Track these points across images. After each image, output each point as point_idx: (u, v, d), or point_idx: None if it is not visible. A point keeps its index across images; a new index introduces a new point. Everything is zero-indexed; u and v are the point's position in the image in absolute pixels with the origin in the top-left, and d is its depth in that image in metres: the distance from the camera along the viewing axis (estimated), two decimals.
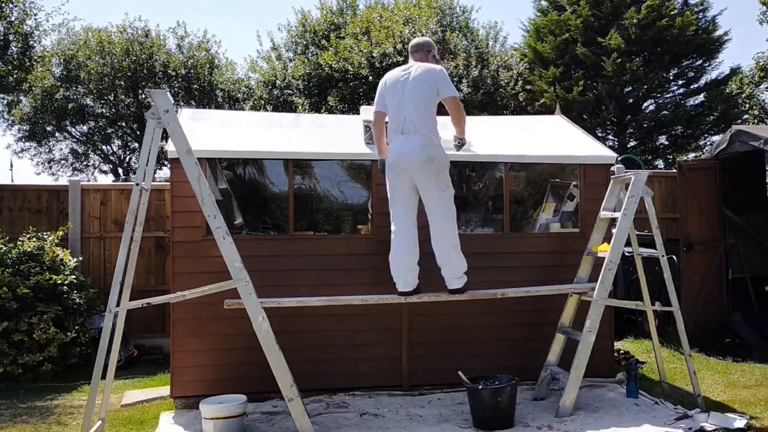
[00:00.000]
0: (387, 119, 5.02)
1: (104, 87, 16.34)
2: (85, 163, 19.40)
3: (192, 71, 16.78)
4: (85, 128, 18.32)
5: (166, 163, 12.86)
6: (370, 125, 5.58)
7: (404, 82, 4.90)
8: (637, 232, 5.81)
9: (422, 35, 13.93)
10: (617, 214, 5.17)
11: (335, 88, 13.96)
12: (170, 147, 4.81)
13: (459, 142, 5.14)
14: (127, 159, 18.88)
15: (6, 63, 10.41)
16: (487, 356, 5.60)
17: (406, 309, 5.54)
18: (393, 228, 4.94)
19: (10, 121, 17.91)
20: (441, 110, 4.98)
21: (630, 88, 14.52)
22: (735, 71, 15.59)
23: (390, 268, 4.97)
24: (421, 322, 5.58)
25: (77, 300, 6.97)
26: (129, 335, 7.31)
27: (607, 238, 5.34)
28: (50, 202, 8.00)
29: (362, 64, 13.56)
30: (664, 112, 15.05)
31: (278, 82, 15.08)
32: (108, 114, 17.41)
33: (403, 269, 4.88)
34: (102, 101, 17.01)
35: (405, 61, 14.58)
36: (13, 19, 10.39)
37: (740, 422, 4.62)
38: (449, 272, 4.92)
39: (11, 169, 26.91)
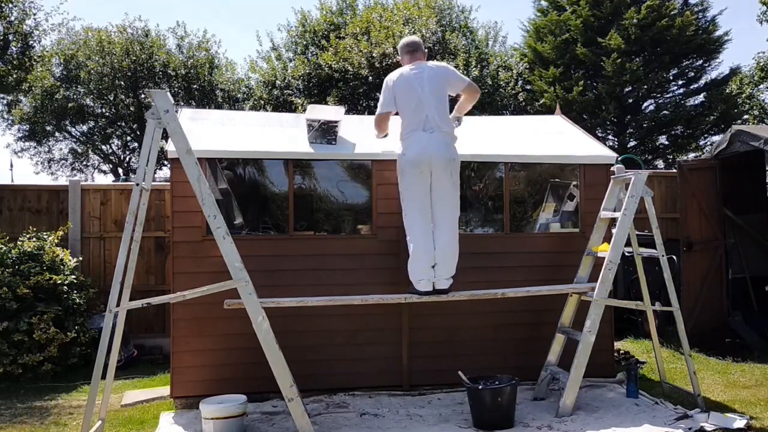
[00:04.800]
0: (401, 118, 5.07)
1: (104, 87, 16.34)
2: (84, 163, 19.42)
3: (192, 71, 16.77)
4: (84, 128, 18.33)
5: (166, 163, 12.86)
6: (314, 124, 5.60)
7: (420, 81, 4.97)
8: (637, 232, 5.82)
9: (422, 35, 13.92)
10: (617, 214, 5.17)
11: (335, 88, 13.96)
12: (170, 147, 4.80)
13: (457, 120, 5.33)
14: (127, 159, 18.89)
15: (6, 63, 10.41)
16: (487, 356, 5.60)
17: (406, 309, 5.54)
18: (411, 226, 4.93)
19: (10, 121, 17.92)
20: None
21: (630, 88, 14.53)
22: (735, 71, 15.61)
23: (409, 267, 4.96)
24: (421, 322, 5.58)
25: (77, 300, 6.97)
26: (129, 335, 7.31)
27: (607, 238, 5.34)
28: (50, 202, 7.99)
29: (362, 64, 13.55)
30: (664, 112, 15.06)
31: (278, 82, 15.07)
32: (108, 114, 17.41)
33: (425, 268, 4.89)
34: (102, 101, 17.01)
35: None
36: (12, 18, 10.38)
37: (740, 422, 4.62)
38: (445, 271, 4.94)
39: (11, 169, 26.89)
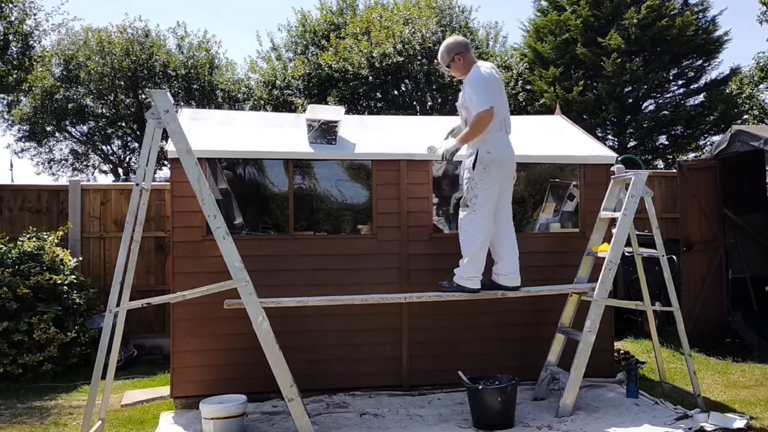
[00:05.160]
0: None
1: (104, 87, 16.33)
2: (85, 163, 19.40)
3: (192, 71, 16.77)
4: (85, 128, 18.31)
5: (166, 163, 12.86)
6: (314, 124, 5.58)
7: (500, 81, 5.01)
8: (637, 232, 5.82)
9: (422, 35, 13.94)
10: (617, 214, 5.17)
11: (335, 88, 13.98)
12: (170, 147, 4.81)
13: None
14: (127, 159, 18.87)
15: (6, 63, 10.41)
16: (487, 356, 5.60)
17: (406, 309, 5.55)
18: (481, 225, 4.84)
19: (10, 121, 17.90)
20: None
21: (630, 88, 14.53)
22: (735, 71, 15.60)
23: (468, 263, 4.90)
24: (421, 322, 5.58)
25: (77, 300, 6.97)
26: (129, 335, 7.31)
27: (607, 238, 5.34)
28: (50, 202, 8.00)
29: (362, 64, 13.56)
30: (664, 112, 15.06)
31: (278, 82, 15.08)
32: (108, 114, 17.39)
33: (481, 268, 4.94)
34: (102, 101, 17.00)
35: (405, 61, 14.54)
36: (13, 19, 10.38)
37: (740, 422, 4.62)
38: (515, 267, 5.03)
39: (11, 169, 26.92)
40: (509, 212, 5.08)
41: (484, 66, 4.95)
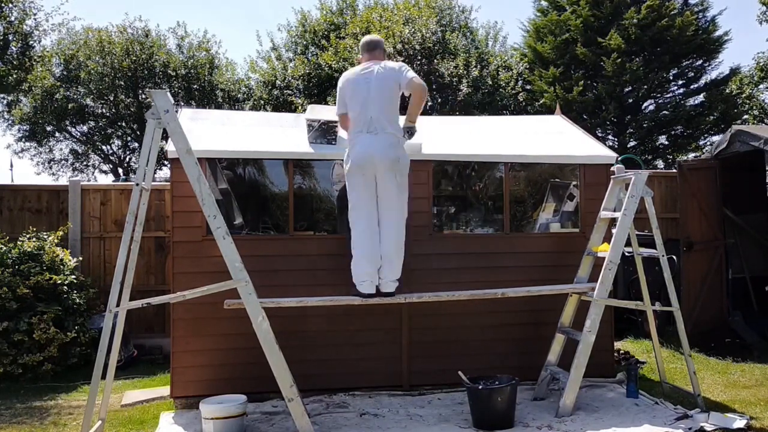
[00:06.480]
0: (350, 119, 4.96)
1: (104, 87, 16.33)
2: (85, 163, 19.41)
3: (192, 71, 16.77)
4: (85, 128, 18.32)
5: (166, 163, 12.86)
6: (314, 124, 5.57)
7: (367, 81, 4.84)
8: (637, 232, 5.81)
9: (422, 35, 13.93)
10: (617, 214, 5.17)
11: (335, 88, 13.98)
12: (170, 147, 4.81)
13: (409, 132, 4.95)
14: (127, 159, 18.88)
15: (6, 63, 10.40)
16: (487, 356, 5.60)
17: (406, 309, 5.54)
18: (354, 229, 4.87)
19: (10, 121, 17.90)
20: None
21: (630, 88, 14.53)
22: (735, 71, 15.60)
23: (352, 269, 4.90)
24: (421, 322, 5.58)
25: (77, 300, 6.97)
26: (129, 335, 7.31)
27: (607, 238, 5.34)
28: (50, 202, 7.99)
29: None
30: (664, 112, 15.06)
31: (278, 82, 15.09)
32: (108, 114, 17.40)
33: (367, 270, 4.83)
34: (102, 101, 17.00)
35: (405, 61, 14.63)
36: (12, 19, 10.37)
37: (740, 422, 4.62)
38: (389, 274, 4.88)
39: (11, 169, 26.95)
40: (390, 215, 4.83)
41: (344, 74, 5.05)
